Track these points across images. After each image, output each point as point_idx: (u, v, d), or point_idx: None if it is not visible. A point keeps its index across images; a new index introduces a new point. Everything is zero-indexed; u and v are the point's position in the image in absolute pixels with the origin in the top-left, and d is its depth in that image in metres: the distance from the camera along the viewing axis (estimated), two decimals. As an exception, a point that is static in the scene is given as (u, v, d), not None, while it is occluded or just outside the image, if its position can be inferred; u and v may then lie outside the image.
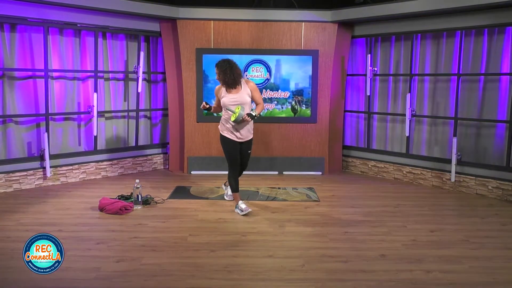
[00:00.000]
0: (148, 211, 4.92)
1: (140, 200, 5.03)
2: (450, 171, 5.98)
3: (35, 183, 5.87)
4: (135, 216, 4.75)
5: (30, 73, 5.84)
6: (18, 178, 5.72)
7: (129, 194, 5.34)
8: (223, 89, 4.81)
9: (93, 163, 6.42)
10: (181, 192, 5.71)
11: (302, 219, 4.73)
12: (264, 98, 6.78)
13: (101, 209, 4.85)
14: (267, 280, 3.31)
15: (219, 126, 4.95)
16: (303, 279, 3.32)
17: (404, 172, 6.55)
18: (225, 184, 5.52)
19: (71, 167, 6.19)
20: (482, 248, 3.98)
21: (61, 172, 6.09)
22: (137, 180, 5.08)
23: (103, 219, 4.67)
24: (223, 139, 4.87)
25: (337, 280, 3.31)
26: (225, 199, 5.40)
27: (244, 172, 6.83)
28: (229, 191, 5.22)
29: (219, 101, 4.88)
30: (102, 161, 6.51)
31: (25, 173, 5.78)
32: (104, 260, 3.61)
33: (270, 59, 6.73)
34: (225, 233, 4.26)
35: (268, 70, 6.75)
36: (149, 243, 3.98)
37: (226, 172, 6.85)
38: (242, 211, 4.79)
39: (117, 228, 4.36)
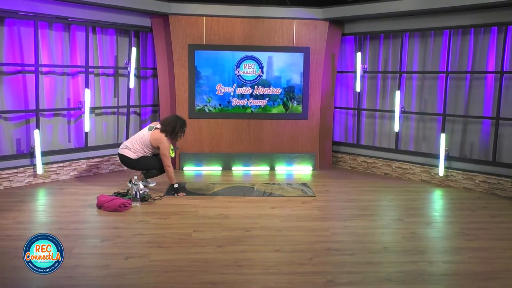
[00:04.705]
0: (147, 208, 4.89)
1: (138, 197, 5.00)
2: (438, 166, 6.18)
3: (26, 181, 5.73)
4: (135, 213, 4.72)
5: (19, 68, 5.69)
6: (8, 175, 5.57)
7: (125, 191, 5.29)
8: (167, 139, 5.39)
9: (84, 160, 6.32)
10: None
11: (302, 214, 4.80)
12: (256, 94, 6.84)
13: (100, 206, 4.79)
14: (278, 274, 3.37)
15: (131, 155, 5.38)
16: (314, 272, 3.39)
17: (393, 167, 6.72)
18: (130, 182, 5.36)
19: (62, 164, 6.07)
20: (477, 239, 4.15)
21: (51, 169, 5.97)
22: (135, 177, 5.05)
23: (103, 216, 4.62)
24: (142, 157, 5.43)
25: (347, 272, 3.40)
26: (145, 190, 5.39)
27: (236, 168, 6.92)
28: (141, 185, 5.20)
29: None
30: (93, 158, 6.42)
31: (15, 170, 5.63)
32: (112, 257, 3.58)
33: (262, 56, 6.77)
34: (228, 229, 4.29)
35: (260, 66, 6.79)
36: (154, 239, 3.97)
37: (219, 168, 6.92)
38: (141, 190, 5.09)
39: (119, 225, 4.32)
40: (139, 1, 6.22)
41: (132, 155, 5.39)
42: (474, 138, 6.07)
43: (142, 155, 5.42)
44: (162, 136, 5.31)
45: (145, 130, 5.46)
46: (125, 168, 6.68)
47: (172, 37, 6.59)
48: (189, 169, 6.82)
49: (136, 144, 5.40)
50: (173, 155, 5.53)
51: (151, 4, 6.33)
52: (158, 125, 5.42)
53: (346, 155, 7.29)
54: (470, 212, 4.99)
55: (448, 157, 6.15)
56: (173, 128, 5.35)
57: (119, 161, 5.60)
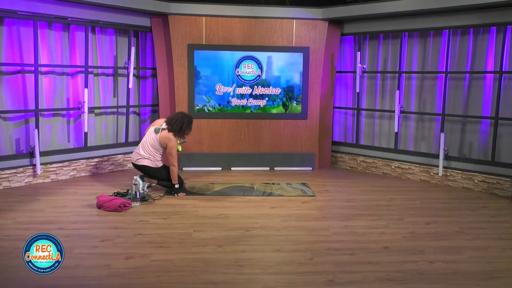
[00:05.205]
0: (147, 208, 4.89)
1: (138, 197, 4.99)
2: (437, 166, 6.19)
3: (25, 181, 5.72)
4: (135, 213, 4.72)
5: (18, 68, 5.68)
6: (7, 176, 5.56)
7: (125, 191, 5.29)
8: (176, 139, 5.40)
9: (84, 160, 6.31)
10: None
11: (302, 214, 4.81)
12: (255, 94, 6.84)
13: (99, 206, 4.79)
14: (279, 273, 3.37)
15: (151, 163, 5.37)
16: (314, 271, 3.40)
17: (393, 167, 6.73)
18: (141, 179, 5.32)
19: (61, 164, 6.07)
20: (477, 239, 4.16)
21: (51, 169, 5.96)
22: (135, 177, 5.05)
23: (103, 216, 4.62)
24: (163, 166, 5.47)
25: (347, 272, 3.40)
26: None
27: (235, 168, 6.92)
28: (143, 186, 5.19)
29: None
30: (92, 158, 6.41)
31: (14, 170, 5.63)
32: (113, 257, 3.59)
33: (262, 56, 6.77)
34: (228, 229, 4.29)
35: (260, 66, 6.79)
36: (155, 239, 3.98)
37: (218, 168, 6.92)
38: (143, 189, 5.10)
39: (119, 225, 4.32)
40: (139, 1, 6.22)
41: (151, 163, 5.37)
42: (473, 138, 6.08)
43: (160, 162, 5.44)
44: (170, 135, 5.31)
45: (152, 134, 5.40)
46: (125, 168, 6.72)
47: (172, 37, 6.59)
48: (189, 169, 6.82)
49: (149, 149, 5.37)
50: (180, 149, 5.51)
51: (150, 4, 6.33)
52: (164, 125, 5.40)
53: (345, 155, 7.30)
54: (470, 212, 5.00)
55: (447, 157, 6.16)
56: (181, 126, 5.33)
57: (136, 169, 5.55)
